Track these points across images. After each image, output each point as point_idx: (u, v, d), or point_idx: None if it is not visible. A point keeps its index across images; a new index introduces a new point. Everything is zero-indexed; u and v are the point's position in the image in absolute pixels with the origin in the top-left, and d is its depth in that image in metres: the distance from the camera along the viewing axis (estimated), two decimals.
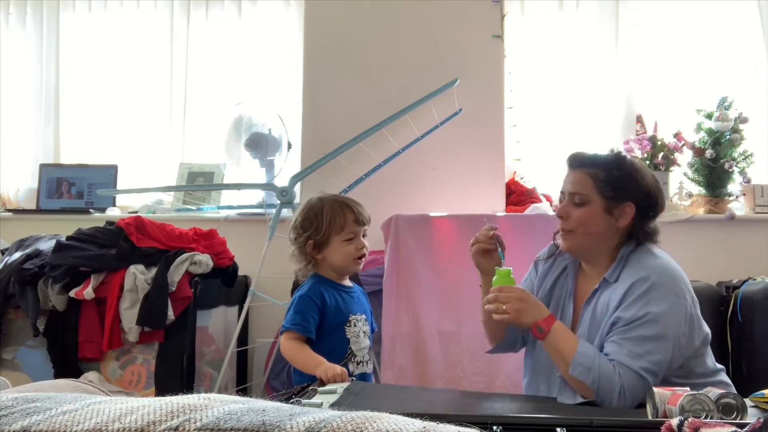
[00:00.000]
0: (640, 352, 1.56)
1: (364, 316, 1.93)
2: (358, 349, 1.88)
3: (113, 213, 3.53)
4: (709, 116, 3.26)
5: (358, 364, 1.88)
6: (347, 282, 1.99)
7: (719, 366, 1.75)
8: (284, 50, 3.64)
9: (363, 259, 1.93)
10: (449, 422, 0.60)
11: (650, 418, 1.37)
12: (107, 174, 3.66)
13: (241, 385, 3.16)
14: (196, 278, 2.76)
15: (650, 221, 1.75)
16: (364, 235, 1.94)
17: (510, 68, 3.43)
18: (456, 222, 2.93)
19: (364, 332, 1.91)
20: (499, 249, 1.79)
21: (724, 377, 1.74)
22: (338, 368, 1.69)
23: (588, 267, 1.80)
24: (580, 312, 1.76)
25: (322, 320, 1.86)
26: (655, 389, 1.39)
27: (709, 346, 1.73)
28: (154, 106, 3.74)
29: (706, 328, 1.72)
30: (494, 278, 1.73)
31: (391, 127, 3.02)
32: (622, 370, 1.55)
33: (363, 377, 1.89)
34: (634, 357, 1.56)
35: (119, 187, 3.63)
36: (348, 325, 1.89)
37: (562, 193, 1.80)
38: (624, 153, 1.83)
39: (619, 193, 1.71)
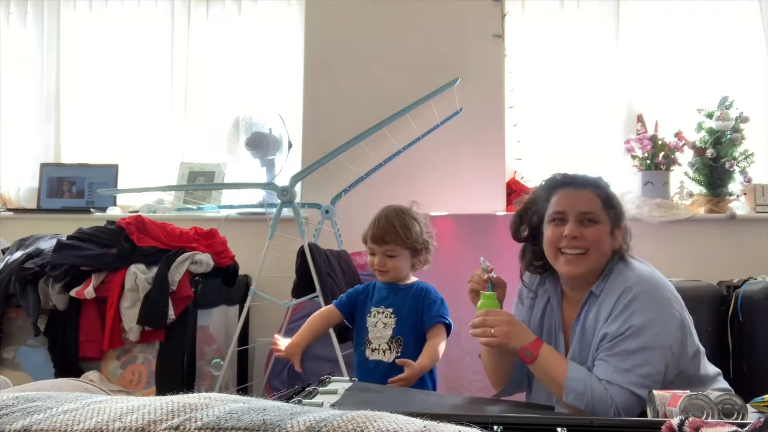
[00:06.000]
0: (626, 366, 1.53)
1: (390, 310, 2.04)
2: (374, 337, 2.03)
3: (114, 212, 3.54)
4: (710, 115, 3.26)
5: (373, 350, 2.03)
6: (400, 282, 2.07)
7: (717, 369, 1.73)
8: (285, 49, 3.64)
9: (382, 274, 2.05)
10: (450, 422, 0.60)
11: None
12: (108, 173, 3.67)
13: (242, 385, 3.16)
14: (197, 277, 2.76)
15: (629, 243, 1.74)
16: (389, 255, 2.02)
17: (510, 67, 3.43)
18: (456, 221, 2.93)
19: (384, 324, 2.03)
20: (489, 283, 1.72)
21: (723, 382, 1.71)
22: (277, 345, 2.04)
23: (572, 292, 1.75)
24: (570, 338, 1.73)
25: (354, 308, 2.11)
26: (655, 392, 1.38)
27: (704, 355, 1.70)
28: (155, 105, 3.74)
29: (698, 342, 1.68)
30: (479, 302, 1.68)
31: (391, 126, 3.02)
32: (612, 389, 1.52)
33: (377, 365, 2.00)
34: (621, 373, 1.53)
35: (120, 186, 3.63)
36: (369, 315, 2.06)
37: (560, 213, 1.69)
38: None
39: (617, 215, 1.71)
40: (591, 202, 1.69)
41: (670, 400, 1.33)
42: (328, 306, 2.17)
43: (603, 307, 1.63)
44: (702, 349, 1.69)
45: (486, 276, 1.73)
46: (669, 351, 1.57)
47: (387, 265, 2.03)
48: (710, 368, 1.71)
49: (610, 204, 1.70)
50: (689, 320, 1.67)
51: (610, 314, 1.60)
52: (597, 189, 1.72)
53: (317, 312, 2.17)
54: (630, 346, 1.55)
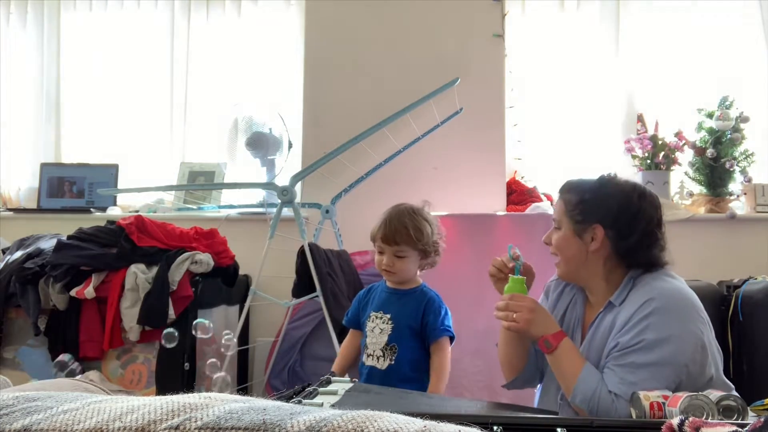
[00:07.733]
0: (633, 380, 1.51)
1: (388, 316, 2.01)
2: (370, 342, 2.01)
3: (114, 212, 3.54)
4: (710, 115, 3.26)
5: (368, 356, 2.01)
6: (404, 285, 2.05)
7: (730, 385, 1.68)
8: (285, 50, 3.64)
9: (389, 274, 2.02)
10: (449, 422, 0.60)
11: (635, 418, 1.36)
12: (108, 173, 3.67)
13: (242, 385, 3.16)
14: (197, 277, 2.76)
15: (631, 243, 1.65)
16: (399, 256, 1.99)
17: (511, 67, 3.43)
18: (456, 221, 2.93)
19: (381, 329, 2.00)
20: (518, 263, 1.74)
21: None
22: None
23: (591, 296, 1.75)
24: (585, 338, 1.72)
25: (359, 315, 2.11)
26: (639, 393, 1.38)
27: (721, 372, 1.65)
28: (155, 105, 3.74)
29: (718, 363, 1.63)
30: (507, 285, 1.69)
31: (391, 126, 3.02)
32: (617, 401, 1.51)
33: (371, 370, 1.98)
34: (627, 385, 1.51)
35: (120, 186, 3.63)
36: (369, 320, 2.04)
37: None
38: (611, 174, 1.76)
39: (586, 217, 1.67)
40: (557, 208, 1.76)
41: (670, 401, 1.33)
42: (350, 331, 2.15)
43: (621, 316, 1.61)
44: (720, 362, 1.64)
45: (511, 263, 1.75)
46: (683, 370, 1.53)
47: (395, 266, 1.99)
48: (725, 385, 1.66)
49: (575, 206, 1.69)
50: (713, 341, 1.62)
51: (626, 323, 1.58)
52: (567, 194, 1.74)
53: (345, 341, 2.15)
54: (639, 359, 1.53)
